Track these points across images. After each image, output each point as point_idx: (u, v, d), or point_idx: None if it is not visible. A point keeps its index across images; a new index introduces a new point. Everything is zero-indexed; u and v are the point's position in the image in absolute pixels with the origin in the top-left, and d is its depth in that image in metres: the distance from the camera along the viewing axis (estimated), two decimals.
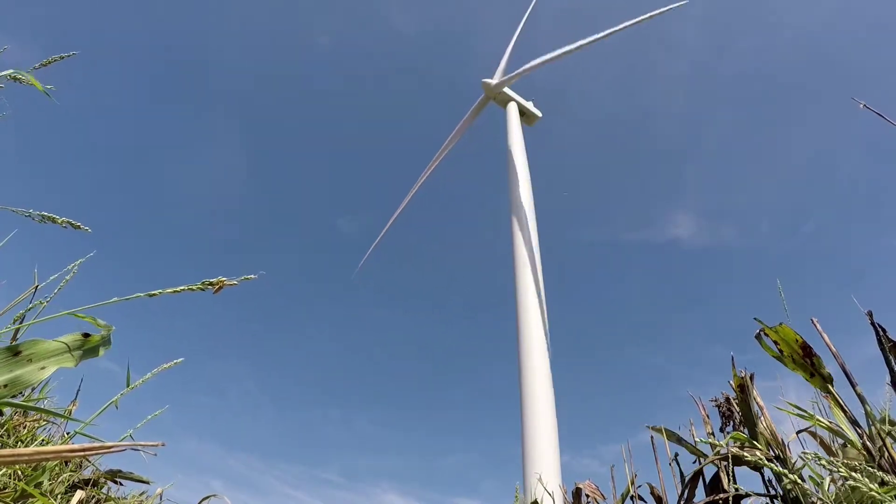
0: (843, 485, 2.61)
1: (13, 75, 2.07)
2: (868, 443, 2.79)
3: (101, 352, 1.18)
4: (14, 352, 1.05)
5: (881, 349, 2.85)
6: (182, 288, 1.22)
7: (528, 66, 15.17)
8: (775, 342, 3.19)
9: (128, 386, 2.48)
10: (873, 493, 1.02)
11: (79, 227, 1.65)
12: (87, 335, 1.16)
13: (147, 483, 3.72)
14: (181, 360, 2.48)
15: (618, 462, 4.62)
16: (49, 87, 2.24)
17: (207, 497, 3.93)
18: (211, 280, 1.21)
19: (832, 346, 3.03)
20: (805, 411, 3.27)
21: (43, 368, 1.08)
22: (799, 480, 1.21)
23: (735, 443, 3.66)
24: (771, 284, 3.37)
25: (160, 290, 1.22)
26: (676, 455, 4.16)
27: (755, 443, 3.46)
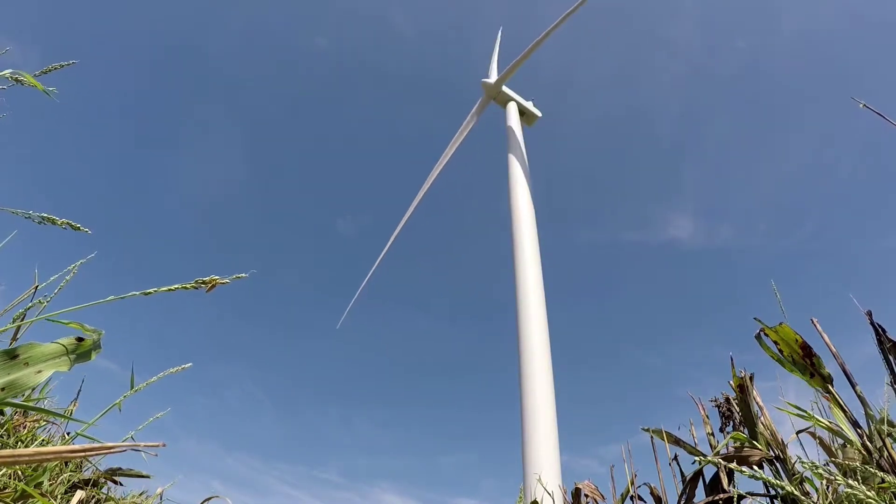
0: (839, 487, 2.60)
1: (15, 76, 2.06)
2: (868, 443, 2.79)
3: (93, 356, 1.19)
4: (11, 355, 1.06)
5: (880, 349, 2.84)
6: (176, 286, 1.24)
7: (518, 58, 15.25)
8: (775, 342, 3.19)
9: (131, 388, 2.47)
10: (870, 499, 1.03)
11: (78, 228, 1.64)
12: (80, 339, 1.17)
13: (147, 477, 3.71)
14: (189, 364, 2.45)
15: (618, 462, 4.62)
16: (51, 88, 2.24)
17: (209, 498, 3.91)
18: (203, 279, 1.24)
19: (832, 346, 3.03)
20: (805, 411, 3.26)
21: (39, 372, 1.08)
22: (796, 492, 1.21)
23: (735, 443, 3.66)
24: (770, 285, 3.36)
25: (155, 289, 1.24)
26: (676, 455, 4.16)
27: (755, 443, 3.45)
